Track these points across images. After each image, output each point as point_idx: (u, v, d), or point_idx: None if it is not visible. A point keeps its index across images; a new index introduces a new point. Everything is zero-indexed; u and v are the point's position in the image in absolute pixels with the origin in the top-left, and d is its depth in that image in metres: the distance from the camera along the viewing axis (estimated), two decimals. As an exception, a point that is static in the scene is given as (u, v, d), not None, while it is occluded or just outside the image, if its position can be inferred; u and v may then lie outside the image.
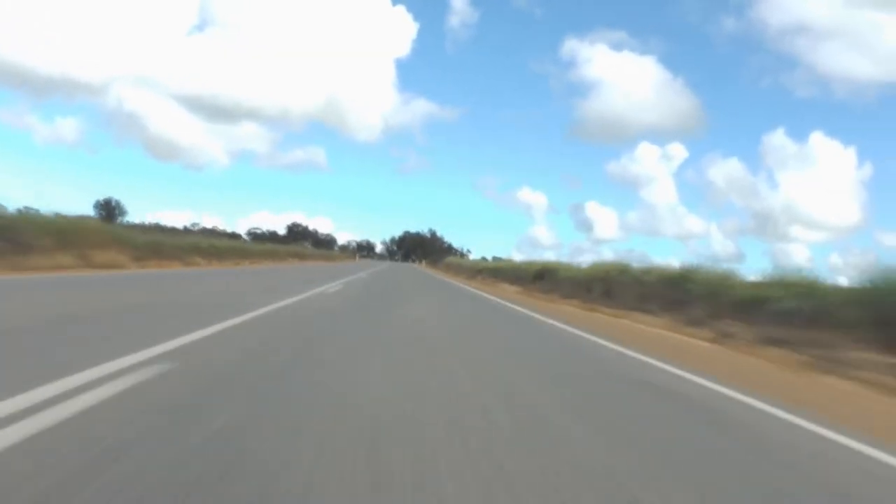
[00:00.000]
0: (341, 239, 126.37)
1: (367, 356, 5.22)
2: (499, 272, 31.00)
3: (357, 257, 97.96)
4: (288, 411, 3.15)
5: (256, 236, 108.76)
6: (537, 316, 11.93)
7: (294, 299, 10.18)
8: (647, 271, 16.15)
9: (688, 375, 5.64)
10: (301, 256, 56.08)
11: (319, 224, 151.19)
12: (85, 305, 7.36)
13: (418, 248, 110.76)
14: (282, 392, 3.59)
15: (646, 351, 7.17)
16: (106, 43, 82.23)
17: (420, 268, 69.29)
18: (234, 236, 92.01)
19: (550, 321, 10.80)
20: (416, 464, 2.45)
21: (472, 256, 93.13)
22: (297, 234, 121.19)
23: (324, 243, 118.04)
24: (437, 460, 2.52)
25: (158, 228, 50.63)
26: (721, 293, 12.21)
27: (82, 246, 14.90)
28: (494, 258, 71.58)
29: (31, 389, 2.96)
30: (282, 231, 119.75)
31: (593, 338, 8.36)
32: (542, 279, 22.84)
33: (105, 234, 16.49)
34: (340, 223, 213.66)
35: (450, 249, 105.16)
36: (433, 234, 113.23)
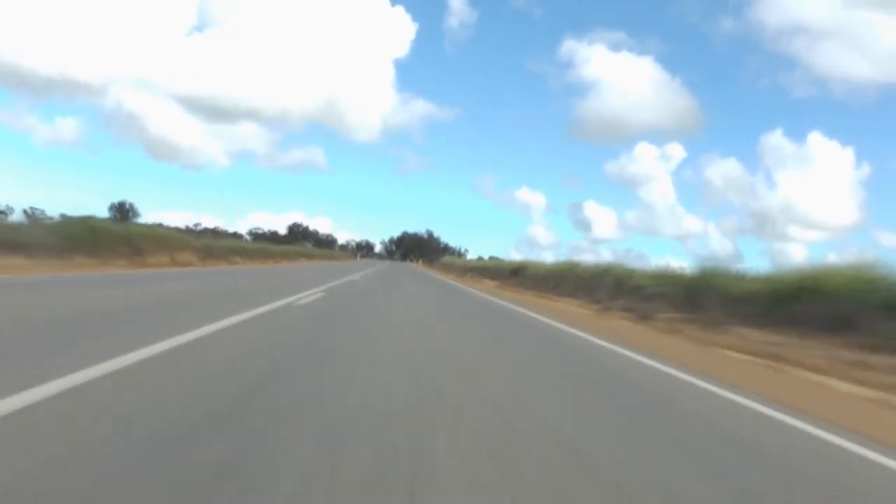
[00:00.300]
0: (341, 239, 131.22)
1: (392, 301, 10.98)
2: (484, 270, 36.77)
3: (358, 257, 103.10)
4: (363, 326, 8.79)
5: (258, 236, 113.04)
6: (496, 300, 17.56)
7: (335, 283, 15.85)
8: (585, 269, 21.82)
9: (566, 328, 11.19)
10: (308, 256, 61.77)
11: (319, 224, 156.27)
12: (215, 287, 12.98)
13: (416, 249, 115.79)
14: (358, 317, 9.20)
15: (551, 318, 12.76)
16: (105, 44, 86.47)
17: (417, 267, 75.10)
18: (237, 236, 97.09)
19: (503, 303, 16.41)
20: (417, 332, 8.09)
21: (469, 256, 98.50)
22: (298, 233, 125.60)
23: (324, 243, 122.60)
24: (422, 334, 8.16)
25: (177, 230, 56.21)
26: (623, 283, 17.87)
27: (171, 249, 20.52)
28: (491, 258, 76.83)
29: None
30: (282, 231, 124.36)
31: (521, 310, 13.96)
32: (516, 275, 28.48)
33: (182, 240, 22.16)
34: (340, 223, 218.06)
35: (445, 249, 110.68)
36: (430, 234, 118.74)
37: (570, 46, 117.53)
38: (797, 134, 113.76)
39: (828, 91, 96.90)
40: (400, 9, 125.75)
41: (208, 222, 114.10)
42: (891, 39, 78.28)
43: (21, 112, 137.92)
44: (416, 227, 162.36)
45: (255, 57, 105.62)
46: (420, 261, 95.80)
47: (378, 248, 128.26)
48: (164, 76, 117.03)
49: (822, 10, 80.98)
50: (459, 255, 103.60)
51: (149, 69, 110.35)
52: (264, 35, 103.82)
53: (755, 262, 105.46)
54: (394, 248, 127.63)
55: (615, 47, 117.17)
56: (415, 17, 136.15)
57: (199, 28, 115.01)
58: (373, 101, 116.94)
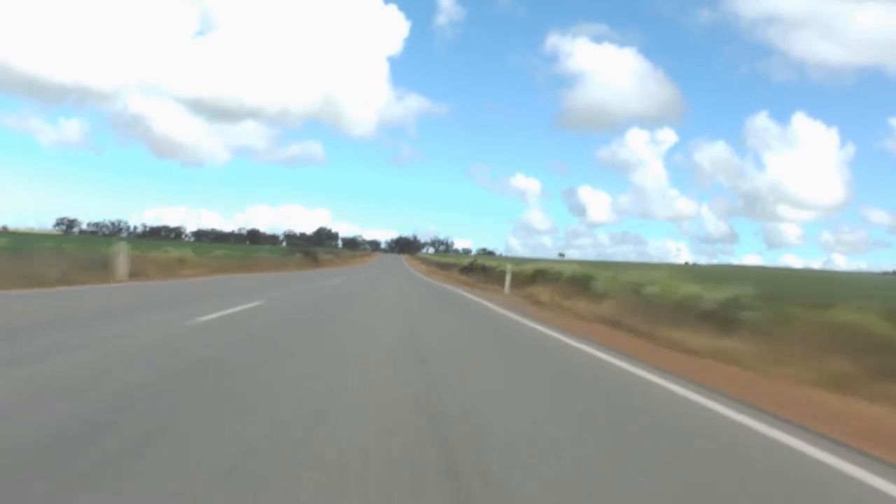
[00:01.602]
0: (344, 235, 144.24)
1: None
2: (445, 264, 46.01)
3: (376, 254, 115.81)
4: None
5: (291, 239, 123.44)
6: (435, 282, 25.80)
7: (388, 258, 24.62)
8: (515, 264, 30.01)
9: (485, 303, 19.40)
10: (363, 257, 73.09)
11: (318, 216, 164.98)
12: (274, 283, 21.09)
13: (406, 246, 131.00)
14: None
15: (478, 296, 20.93)
16: (113, 50, 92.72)
17: (403, 258, 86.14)
18: (274, 238, 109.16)
19: (441, 284, 24.60)
20: (398, 293, 16.39)
21: (459, 247, 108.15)
22: (324, 235, 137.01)
23: (349, 243, 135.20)
24: (402, 293, 16.45)
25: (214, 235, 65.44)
26: (545, 274, 26.04)
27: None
28: (480, 250, 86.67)
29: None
30: (310, 232, 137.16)
31: (458, 290, 22.15)
32: (470, 269, 36.62)
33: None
34: (338, 213, 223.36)
35: (422, 245, 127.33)
36: (415, 237, 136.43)
37: (554, 41, 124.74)
38: (782, 116, 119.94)
39: (806, 76, 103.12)
40: (393, 7, 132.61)
41: (206, 217, 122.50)
42: (862, 24, 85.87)
43: (27, 115, 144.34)
44: (413, 215, 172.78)
45: (254, 58, 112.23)
46: (406, 254, 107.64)
47: (382, 245, 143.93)
48: (168, 79, 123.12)
49: (795, 1, 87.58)
50: (439, 249, 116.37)
51: (153, 73, 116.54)
52: (263, 37, 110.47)
53: (750, 241, 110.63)
54: (393, 244, 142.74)
55: (597, 40, 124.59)
56: (407, 16, 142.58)
57: (202, 32, 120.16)
58: (368, 98, 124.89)
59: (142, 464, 2.32)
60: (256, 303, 10.70)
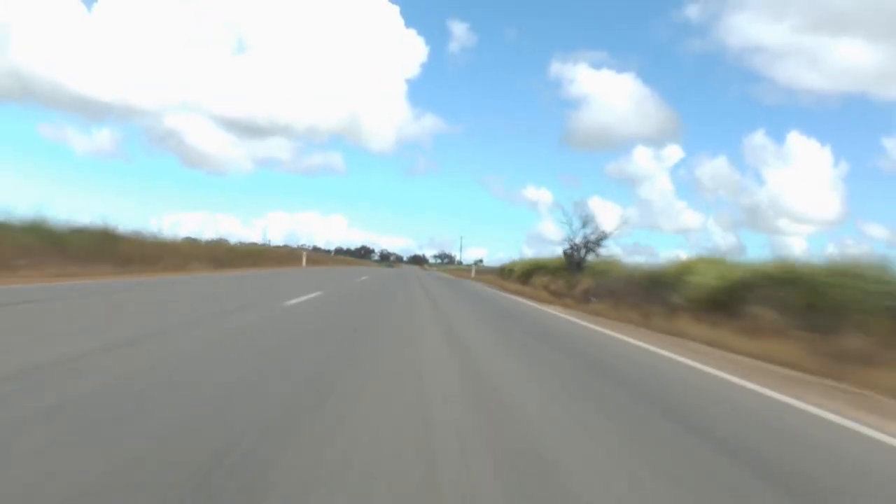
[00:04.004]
0: (377, 248, 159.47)
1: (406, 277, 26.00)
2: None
3: (400, 265, 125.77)
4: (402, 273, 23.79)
5: (339, 252, 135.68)
6: (443, 275, 32.45)
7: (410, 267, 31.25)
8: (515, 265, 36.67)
9: (500, 292, 26.04)
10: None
11: (334, 221, 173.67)
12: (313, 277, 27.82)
13: (420, 260, 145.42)
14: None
15: (489, 287, 27.59)
16: (154, 72, 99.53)
17: (415, 268, 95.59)
18: (327, 251, 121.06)
19: (455, 279, 31.21)
20: (409, 283, 23.06)
21: (473, 258, 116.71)
22: (367, 250, 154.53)
23: (384, 256, 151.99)
24: (410, 285, 23.11)
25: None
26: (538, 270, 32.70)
27: (259, 260, 35.29)
28: (476, 261, 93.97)
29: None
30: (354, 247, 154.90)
31: (479, 285, 28.82)
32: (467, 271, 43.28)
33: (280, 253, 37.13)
34: (353, 221, 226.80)
35: (426, 259, 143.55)
36: (423, 255, 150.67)
37: (558, 67, 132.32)
38: (777, 135, 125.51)
39: (795, 100, 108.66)
40: (412, 31, 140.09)
41: (224, 222, 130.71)
42: (840, 56, 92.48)
43: (62, 125, 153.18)
44: (428, 224, 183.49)
45: (283, 78, 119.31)
46: (417, 266, 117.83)
47: (405, 258, 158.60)
48: (204, 98, 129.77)
49: (775, 34, 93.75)
50: (444, 262, 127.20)
51: (192, 92, 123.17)
52: (292, 59, 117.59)
53: (757, 253, 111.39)
54: (412, 259, 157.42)
55: (597, 66, 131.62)
56: (426, 41, 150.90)
57: (238, 53, 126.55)
58: (388, 116, 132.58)
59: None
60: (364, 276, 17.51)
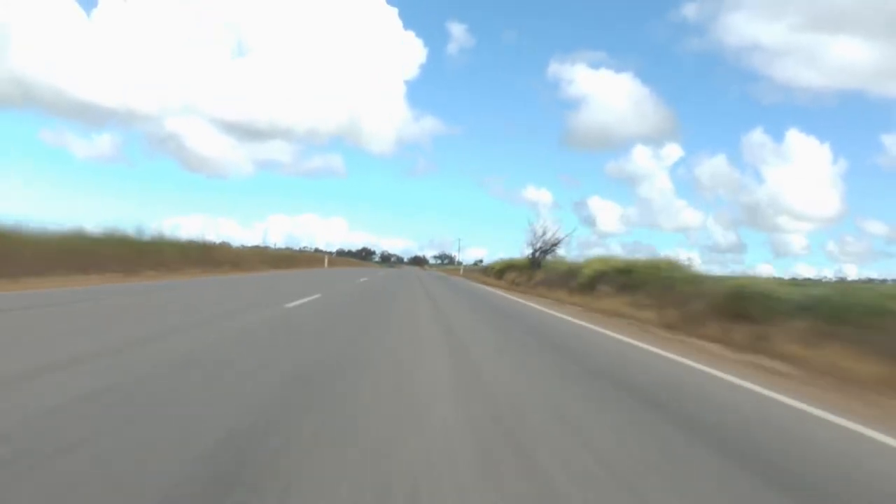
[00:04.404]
0: (377, 251, 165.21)
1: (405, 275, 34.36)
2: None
3: (401, 266, 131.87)
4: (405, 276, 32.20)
5: (340, 254, 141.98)
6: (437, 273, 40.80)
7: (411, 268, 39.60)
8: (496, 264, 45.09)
9: (474, 283, 34.43)
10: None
11: (334, 224, 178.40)
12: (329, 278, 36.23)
13: (420, 261, 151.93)
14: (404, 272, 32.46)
15: (469, 281, 35.97)
16: (154, 76, 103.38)
17: (415, 269, 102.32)
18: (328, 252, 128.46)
19: (444, 275, 39.55)
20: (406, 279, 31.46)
21: (462, 260, 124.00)
22: (368, 251, 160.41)
23: (385, 258, 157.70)
24: (411, 278, 31.51)
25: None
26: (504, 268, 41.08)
27: (294, 262, 43.71)
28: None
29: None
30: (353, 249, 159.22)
31: (467, 282, 37.17)
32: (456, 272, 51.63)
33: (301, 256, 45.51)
34: (354, 223, 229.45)
35: (426, 260, 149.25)
36: (423, 256, 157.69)
37: (556, 68, 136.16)
38: (776, 133, 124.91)
39: (793, 98, 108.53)
40: (411, 33, 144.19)
41: (224, 226, 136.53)
42: (837, 54, 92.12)
43: (62, 131, 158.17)
44: (428, 225, 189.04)
45: (283, 81, 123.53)
46: (417, 266, 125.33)
47: (405, 259, 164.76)
48: (204, 101, 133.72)
49: (774, 33, 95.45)
50: (444, 263, 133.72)
51: (192, 96, 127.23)
52: (292, 61, 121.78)
53: (758, 251, 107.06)
54: (411, 260, 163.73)
55: (596, 66, 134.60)
56: (425, 42, 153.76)
57: (237, 56, 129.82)
58: (388, 118, 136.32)
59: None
60: (381, 273, 25.89)
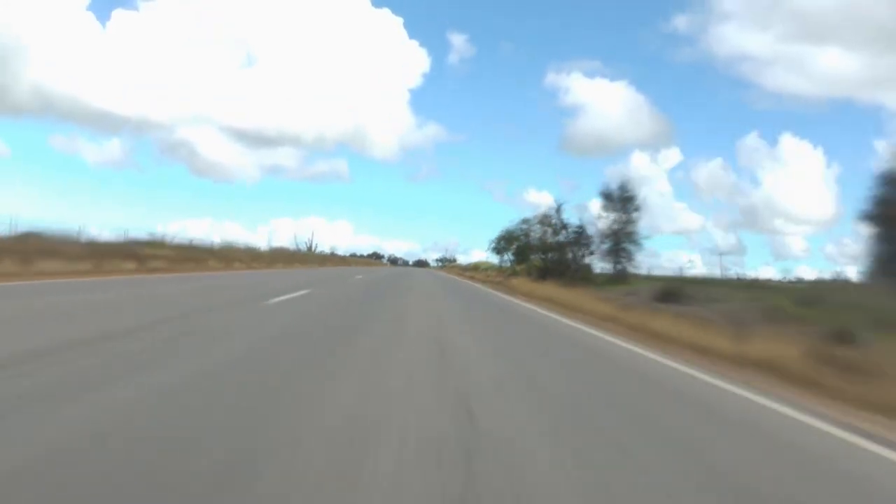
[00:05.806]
0: (382, 253, 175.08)
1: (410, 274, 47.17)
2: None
3: (407, 266, 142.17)
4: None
5: (353, 256, 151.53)
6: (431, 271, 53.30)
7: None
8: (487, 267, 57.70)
9: (456, 277, 46.96)
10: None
11: (339, 227, 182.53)
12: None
13: (421, 262, 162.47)
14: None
15: (453, 276, 48.54)
16: (167, 86, 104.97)
17: (416, 268, 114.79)
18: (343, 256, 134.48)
19: (440, 273, 52.09)
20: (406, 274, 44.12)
21: (463, 262, 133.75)
22: (377, 255, 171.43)
23: (392, 259, 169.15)
24: (412, 273, 44.23)
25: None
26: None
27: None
28: (476, 262, 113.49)
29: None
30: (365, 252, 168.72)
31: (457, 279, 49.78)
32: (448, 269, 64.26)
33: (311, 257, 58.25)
34: (358, 226, 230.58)
35: (428, 263, 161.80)
36: (424, 259, 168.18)
37: (553, 78, 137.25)
38: (770, 138, 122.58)
39: (784, 104, 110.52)
40: (415, 43, 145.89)
41: (230, 229, 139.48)
42: (824, 63, 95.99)
43: (74, 136, 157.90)
44: (431, 227, 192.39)
45: (291, 89, 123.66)
46: (419, 267, 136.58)
47: (410, 261, 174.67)
48: (214, 110, 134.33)
49: (762, 43, 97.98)
50: (445, 265, 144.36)
51: (203, 105, 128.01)
52: (300, 70, 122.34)
53: (758, 253, 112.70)
54: (415, 262, 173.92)
55: (591, 75, 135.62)
56: (428, 52, 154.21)
57: (246, 66, 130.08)
58: (392, 125, 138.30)
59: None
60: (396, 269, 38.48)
